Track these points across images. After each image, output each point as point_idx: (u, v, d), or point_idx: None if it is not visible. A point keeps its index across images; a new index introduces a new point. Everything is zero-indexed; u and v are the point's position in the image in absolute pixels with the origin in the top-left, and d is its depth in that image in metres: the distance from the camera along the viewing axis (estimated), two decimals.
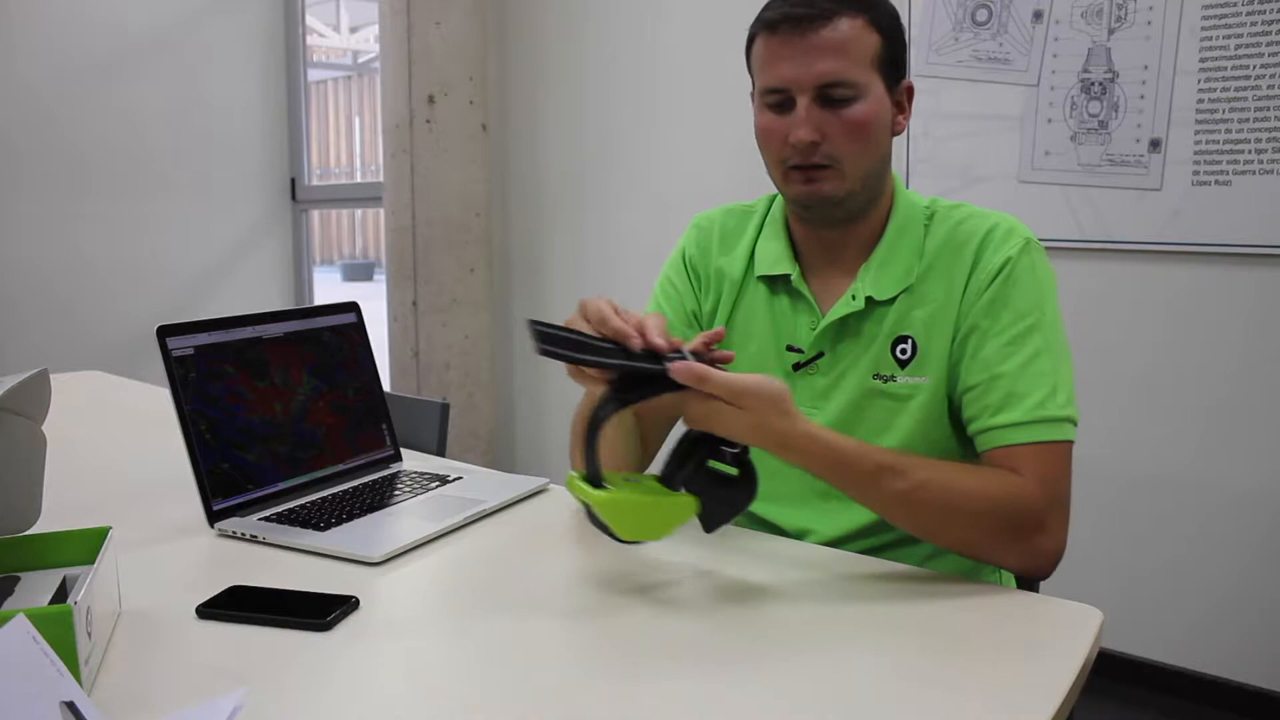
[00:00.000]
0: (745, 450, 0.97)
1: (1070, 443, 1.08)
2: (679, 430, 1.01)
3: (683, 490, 0.98)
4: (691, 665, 0.86)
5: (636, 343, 0.95)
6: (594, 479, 0.96)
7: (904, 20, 1.32)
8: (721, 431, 0.95)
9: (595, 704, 0.79)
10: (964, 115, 2.47)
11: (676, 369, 0.92)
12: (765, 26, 1.12)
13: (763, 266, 1.24)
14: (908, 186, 1.31)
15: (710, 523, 0.99)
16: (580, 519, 1.20)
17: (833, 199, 1.14)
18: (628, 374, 0.96)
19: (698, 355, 0.97)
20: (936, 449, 1.15)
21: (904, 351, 1.16)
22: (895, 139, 1.19)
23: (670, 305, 1.30)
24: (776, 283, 1.23)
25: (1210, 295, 2.24)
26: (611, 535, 0.98)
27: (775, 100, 1.13)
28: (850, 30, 1.09)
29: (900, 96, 1.17)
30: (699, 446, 0.98)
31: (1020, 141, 2.43)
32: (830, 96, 1.10)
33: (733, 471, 0.98)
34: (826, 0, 1.09)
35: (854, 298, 1.17)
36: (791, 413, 0.97)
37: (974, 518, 1.03)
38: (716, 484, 0.98)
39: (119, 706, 0.78)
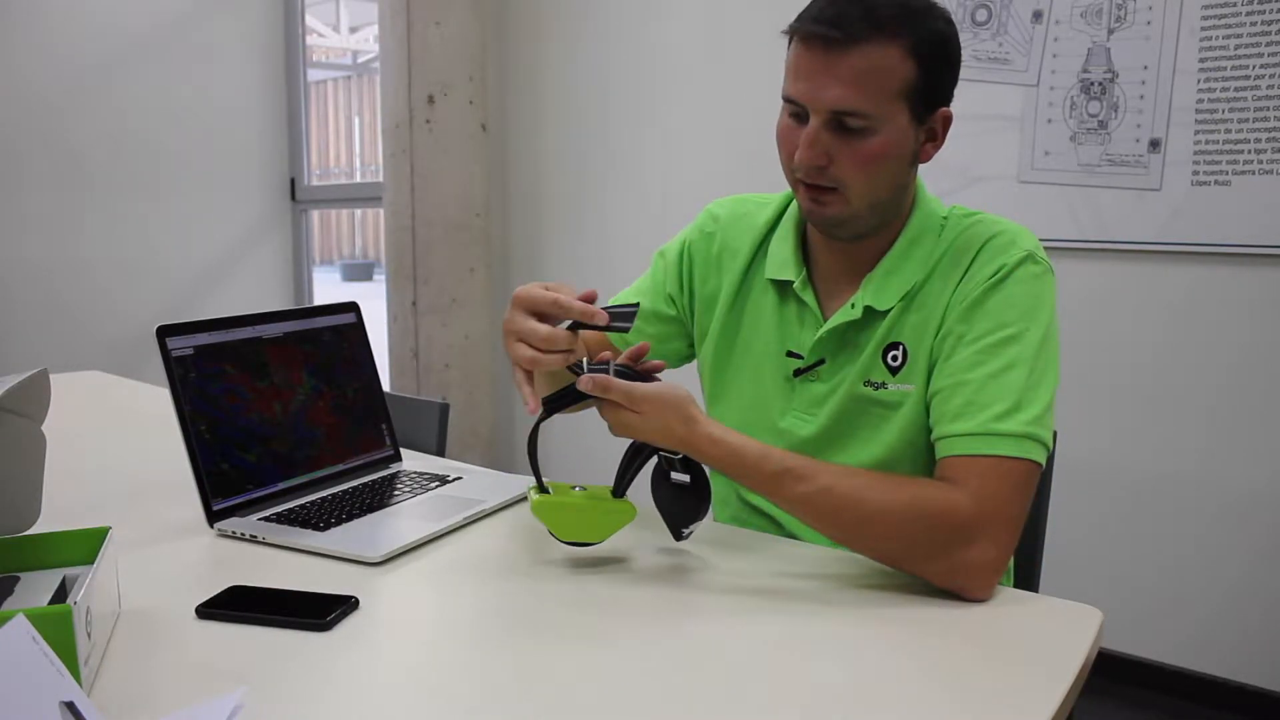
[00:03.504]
0: (686, 457, 1.06)
1: (1029, 462, 1.02)
2: (625, 442, 1.09)
3: (625, 497, 1.07)
4: (692, 665, 0.86)
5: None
6: (540, 485, 1.07)
7: None
8: (635, 436, 1.04)
9: (595, 704, 0.79)
10: (964, 115, 2.45)
11: (582, 382, 1.02)
12: (799, 33, 1.07)
13: (771, 269, 1.23)
14: None
15: (674, 530, 1.09)
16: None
17: (834, 221, 1.12)
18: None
19: (629, 368, 1.06)
20: (923, 458, 1.13)
21: (895, 359, 1.14)
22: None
23: (654, 280, 1.35)
24: (784, 287, 1.22)
25: (1210, 295, 2.24)
26: (555, 535, 1.08)
27: (793, 109, 1.09)
28: (879, 59, 1.03)
29: (934, 125, 1.11)
30: (641, 453, 1.06)
31: (1020, 141, 2.43)
32: (843, 124, 1.05)
33: (685, 479, 1.07)
34: (861, 23, 1.02)
35: (853, 306, 1.15)
36: (694, 418, 1.02)
37: (885, 526, 1.00)
38: (674, 493, 1.08)
39: (119, 706, 0.78)
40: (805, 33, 1.05)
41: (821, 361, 1.18)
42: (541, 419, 1.07)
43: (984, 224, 1.15)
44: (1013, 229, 1.13)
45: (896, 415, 1.14)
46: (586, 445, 2.16)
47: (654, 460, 1.09)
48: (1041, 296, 1.09)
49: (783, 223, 1.25)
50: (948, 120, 1.12)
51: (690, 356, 1.37)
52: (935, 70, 1.07)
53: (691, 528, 1.09)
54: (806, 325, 1.20)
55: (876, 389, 1.15)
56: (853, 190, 1.09)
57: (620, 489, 1.07)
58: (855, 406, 1.16)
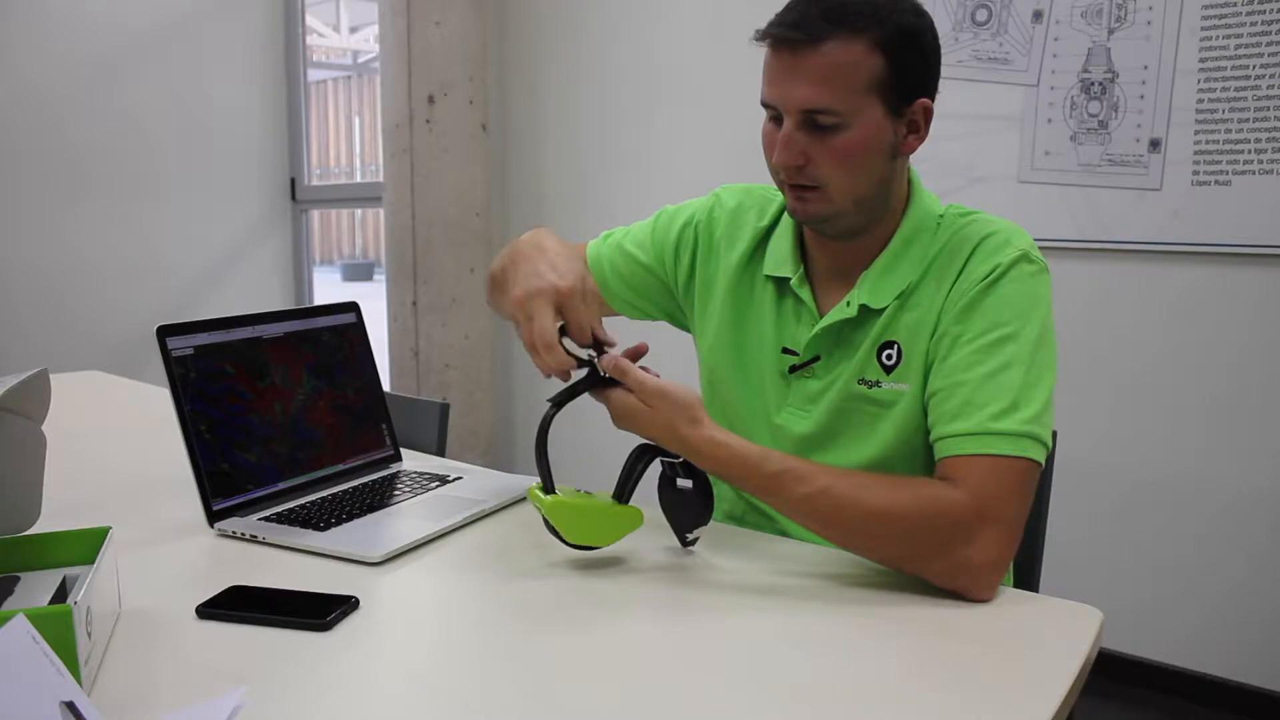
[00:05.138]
0: (688, 462, 1.07)
1: (1028, 461, 1.02)
2: (626, 448, 1.09)
3: (629, 503, 1.07)
4: (692, 664, 0.86)
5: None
6: (546, 487, 1.06)
7: None
8: (637, 427, 1.05)
9: (595, 705, 0.79)
10: (964, 115, 2.47)
11: (605, 359, 1.04)
12: (767, 39, 1.08)
13: (769, 266, 1.24)
14: None
15: (680, 535, 1.10)
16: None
17: (820, 218, 1.13)
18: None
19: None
20: (919, 457, 1.13)
21: (889, 357, 1.14)
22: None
23: (654, 235, 1.36)
24: (782, 284, 1.23)
25: (1210, 295, 2.24)
26: (560, 538, 1.07)
27: (771, 113, 1.11)
28: (843, 55, 1.04)
29: (914, 116, 1.10)
30: (642, 459, 1.07)
31: (1020, 141, 2.43)
32: (816, 123, 1.06)
33: (689, 484, 1.08)
34: (822, 22, 1.04)
35: (849, 304, 1.16)
36: (700, 420, 1.04)
37: (885, 525, 1.00)
38: (678, 499, 1.09)
39: (119, 706, 0.78)
40: (771, 37, 1.07)
41: (816, 359, 1.19)
42: (550, 416, 1.06)
43: (978, 223, 1.15)
44: (1007, 228, 1.13)
45: (891, 414, 1.14)
46: (588, 450, 2.16)
47: (658, 468, 1.10)
48: (1037, 296, 1.09)
49: (783, 220, 1.25)
50: (928, 112, 1.12)
51: (653, 318, 1.39)
52: (906, 62, 1.07)
53: (696, 533, 1.10)
54: (803, 322, 1.20)
55: (870, 387, 1.15)
56: (833, 186, 1.09)
57: (623, 495, 1.07)
58: (849, 404, 1.16)
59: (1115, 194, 2.32)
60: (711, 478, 1.08)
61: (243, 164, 3.99)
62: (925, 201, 1.18)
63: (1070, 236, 2.38)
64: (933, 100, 1.12)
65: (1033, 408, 1.03)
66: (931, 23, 1.10)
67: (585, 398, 1.08)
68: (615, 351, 1.07)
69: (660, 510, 1.12)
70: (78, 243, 3.57)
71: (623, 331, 1.15)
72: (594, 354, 1.06)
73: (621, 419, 1.06)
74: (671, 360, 1.37)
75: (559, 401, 1.06)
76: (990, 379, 1.05)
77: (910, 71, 1.08)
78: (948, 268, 1.13)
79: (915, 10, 1.08)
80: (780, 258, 1.23)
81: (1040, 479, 1.07)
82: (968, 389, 1.05)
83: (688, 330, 1.38)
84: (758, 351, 1.24)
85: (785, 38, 1.05)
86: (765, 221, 1.27)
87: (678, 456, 1.06)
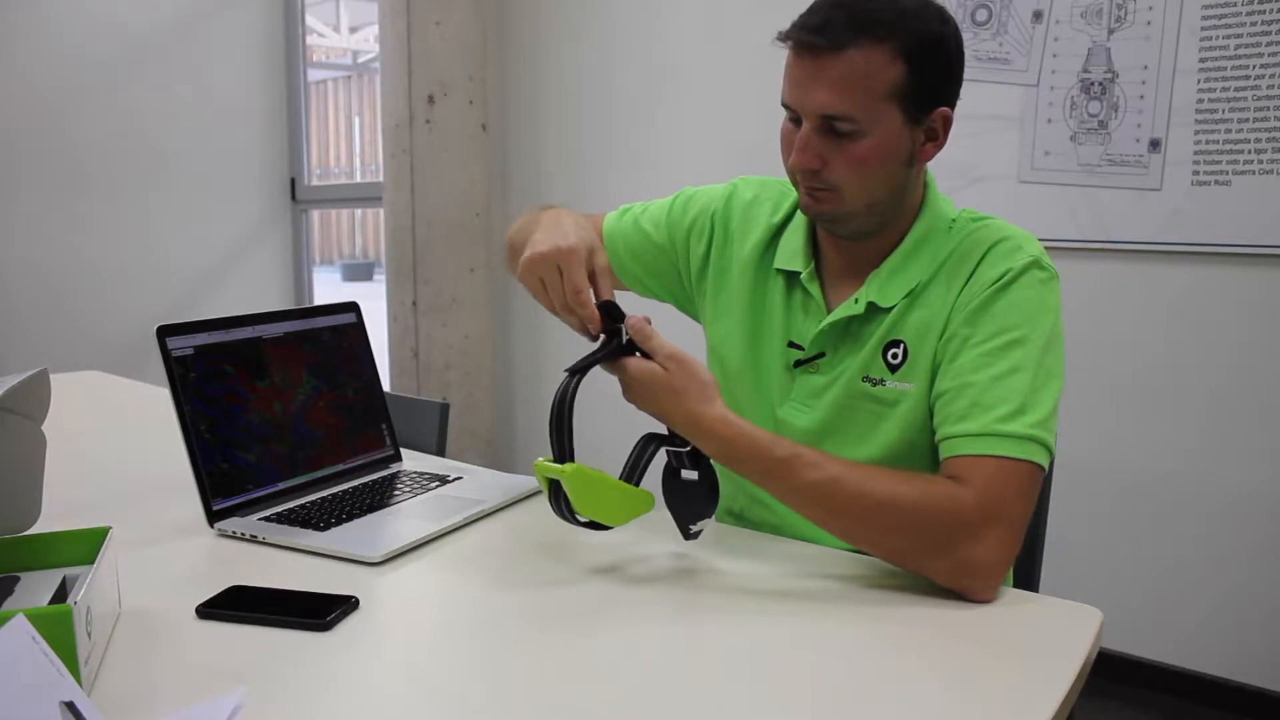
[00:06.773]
0: (695, 450, 1.06)
1: (1033, 465, 1.02)
2: (636, 433, 1.08)
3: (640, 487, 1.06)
4: (693, 664, 0.86)
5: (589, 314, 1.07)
6: (563, 457, 1.03)
7: None
8: (647, 400, 1.04)
9: (596, 705, 0.79)
10: (964, 115, 2.45)
11: (631, 321, 1.05)
12: (789, 41, 1.08)
13: (780, 259, 1.24)
14: None
15: (682, 528, 1.08)
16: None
17: (833, 218, 1.14)
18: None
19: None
20: (922, 457, 1.13)
21: (895, 356, 1.14)
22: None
23: (670, 215, 1.36)
24: (792, 278, 1.23)
25: (1210, 295, 2.24)
26: (568, 515, 1.05)
27: (791, 114, 1.11)
28: (863, 63, 1.03)
29: (933, 124, 1.11)
30: (649, 447, 1.07)
31: (1020, 141, 2.43)
32: (834, 128, 1.07)
33: (694, 475, 1.07)
34: (845, 29, 1.03)
35: (856, 301, 1.16)
36: (712, 399, 1.04)
37: (891, 518, 1.00)
38: (683, 491, 1.07)
39: (119, 706, 0.78)
40: (794, 41, 1.07)
41: (822, 354, 1.19)
42: (571, 383, 1.04)
43: (991, 228, 1.15)
44: (1020, 235, 1.14)
45: (894, 413, 1.14)
46: (588, 446, 2.15)
47: (664, 459, 1.09)
48: (1046, 302, 1.10)
49: (797, 215, 1.26)
50: (948, 120, 1.12)
51: (659, 298, 1.40)
52: (927, 71, 1.07)
53: (700, 525, 1.09)
54: (811, 317, 1.21)
55: (875, 385, 1.15)
56: (848, 191, 1.10)
57: (632, 479, 1.06)
58: (853, 401, 1.16)
59: (1115, 194, 2.32)
60: (717, 470, 1.08)
61: (243, 164, 3.99)
62: (939, 205, 1.18)
63: (1070, 236, 2.38)
64: (953, 108, 1.12)
65: (1039, 412, 1.04)
66: (956, 30, 1.09)
67: (587, 396, 1.07)
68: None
69: (663, 506, 1.11)
70: (78, 243, 3.57)
71: (629, 307, 1.15)
72: (619, 324, 1.06)
73: (636, 387, 1.04)
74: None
75: (579, 369, 1.04)
76: (998, 382, 1.05)
77: (931, 80, 1.08)
78: (958, 270, 1.13)
79: (940, 17, 1.08)
80: (792, 252, 1.23)
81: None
82: (975, 390, 1.06)
83: (692, 316, 1.38)
84: (766, 344, 1.24)
85: (808, 43, 1.05)
86: (779, 217, 1.28)
87: (684, 446, 1.05)
